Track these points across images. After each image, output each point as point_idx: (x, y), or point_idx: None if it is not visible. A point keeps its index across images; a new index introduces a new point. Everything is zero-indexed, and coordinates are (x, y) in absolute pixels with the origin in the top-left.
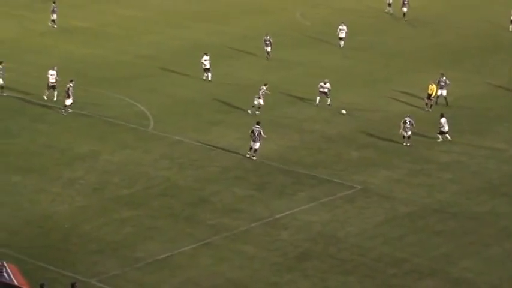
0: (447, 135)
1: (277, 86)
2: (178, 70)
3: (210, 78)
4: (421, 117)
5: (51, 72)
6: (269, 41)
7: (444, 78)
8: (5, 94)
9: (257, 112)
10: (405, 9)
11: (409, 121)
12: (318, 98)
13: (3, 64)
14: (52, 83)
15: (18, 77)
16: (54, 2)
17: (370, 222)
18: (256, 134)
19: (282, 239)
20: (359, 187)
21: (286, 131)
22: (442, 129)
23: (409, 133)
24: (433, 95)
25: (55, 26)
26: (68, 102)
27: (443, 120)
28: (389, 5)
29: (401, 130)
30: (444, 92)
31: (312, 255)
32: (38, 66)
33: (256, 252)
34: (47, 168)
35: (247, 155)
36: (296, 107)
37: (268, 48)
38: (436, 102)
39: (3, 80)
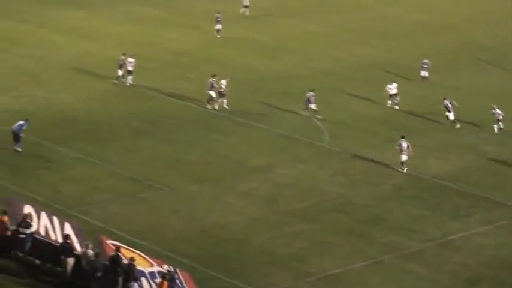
0: None
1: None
2: (355, 86)
3: (396, 107)
4: None
5: (223, 82)
6: (427, 64)
7: None
8: (216, 107)
9: (458, 126)
10: None
11: None
12: (495, 126)
13: (216, 77)
14: (222, 91)
15: (196, 87)
16: (218, 13)
17: None
18: (405, 146)
19: (454, 261)
20: None
21: (462, 152)
22: None
23: None
24: None
25: (218, 36)
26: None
27: None
28: None
29: None
30: None
31: (484, 279)
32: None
33: (428, 273)
34: (222, 179)
35: (400, 170)
36: (471, 129)
37: (426, 73)
38: None
39: (215, 92)
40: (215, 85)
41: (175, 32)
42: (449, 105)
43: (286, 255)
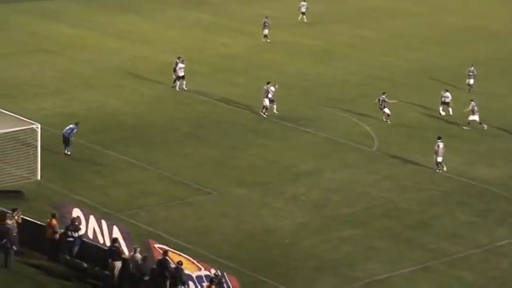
0: None
1: (498, 116)
2: (406, 92)
3: (450, 113)
4: None
5: (272, 88)
6: (473, 72)
7: None
8: (265, 115)
9: (485, 127)
10: None
11: None
12: None
13: (270, 85)
14: (270, 97)
15: (246, 92)
16: (266, 17)
17: None
18: (441, 147)
19: (501, 267)
20: None
21: (510, 159)
22: None
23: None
24: None
25: (268, 41)
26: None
27: None
28: None
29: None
30: None
31: None
32: (266, 81)
33: (475, 279)
34: (270, 183)
35: (438, 171)
36: None
37: (471, 81)
38: None
39: (269, 101)
40: (270, 92)
41: (227, 36)
42: (476, 107)
43: (333, 260)
